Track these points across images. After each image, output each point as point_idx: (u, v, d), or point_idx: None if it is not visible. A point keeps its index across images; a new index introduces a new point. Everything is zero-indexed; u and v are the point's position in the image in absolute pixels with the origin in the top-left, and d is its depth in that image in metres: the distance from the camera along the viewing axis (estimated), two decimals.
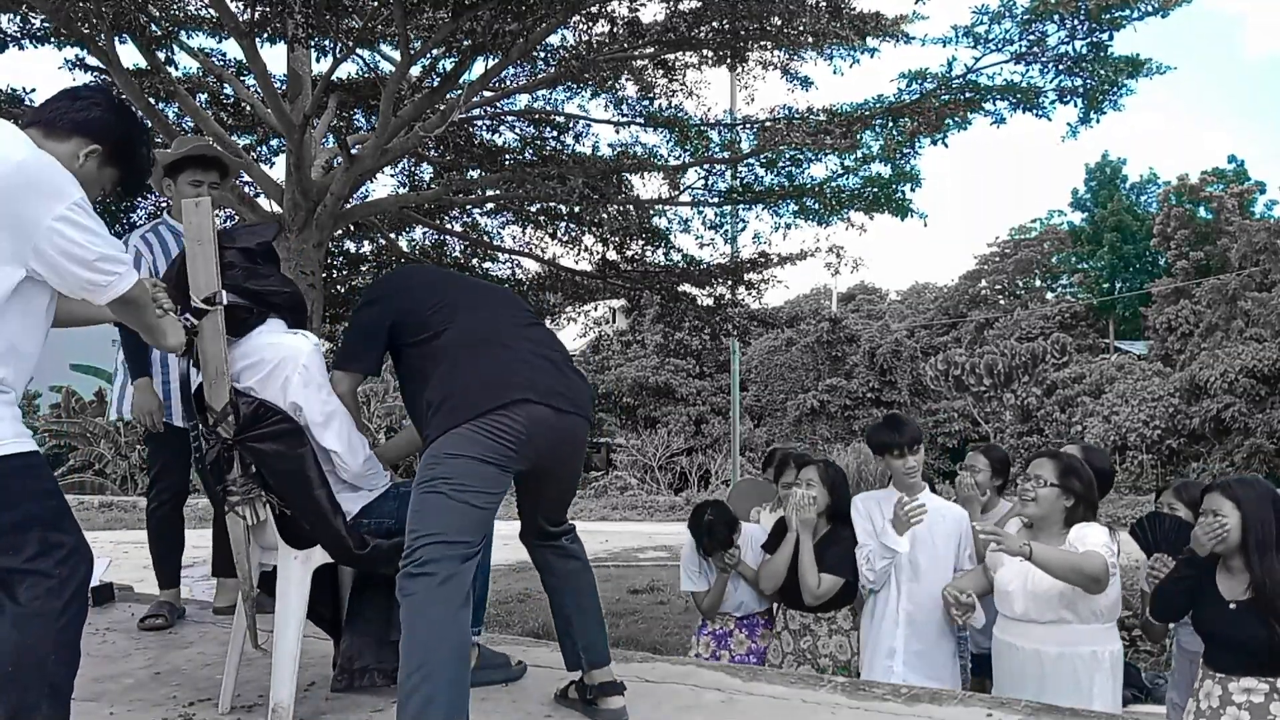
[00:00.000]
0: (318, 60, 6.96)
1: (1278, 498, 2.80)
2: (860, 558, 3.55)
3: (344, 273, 9.37)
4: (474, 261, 9.63)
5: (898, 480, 3.63)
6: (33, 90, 6.53)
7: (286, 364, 2.49)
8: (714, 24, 6.46)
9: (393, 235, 9.31)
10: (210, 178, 3.63)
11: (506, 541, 3.66)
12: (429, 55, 6.48)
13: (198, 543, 3.87)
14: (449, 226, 9.20)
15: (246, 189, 7.00)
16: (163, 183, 3.66)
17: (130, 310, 2.11)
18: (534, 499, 2.56)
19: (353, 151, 6.31)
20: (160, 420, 3.56)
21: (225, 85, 7.46)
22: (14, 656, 1.85)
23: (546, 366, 2.43)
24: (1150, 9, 6.40)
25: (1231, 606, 2.74)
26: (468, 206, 8.69)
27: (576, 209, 8.01)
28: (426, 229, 9.30)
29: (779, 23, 6.41)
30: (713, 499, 4.22)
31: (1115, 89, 6.83)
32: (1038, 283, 43.84)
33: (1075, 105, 7.04)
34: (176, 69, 7.00)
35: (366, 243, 9.50)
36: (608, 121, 8.12)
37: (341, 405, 2.55)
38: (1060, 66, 6.86)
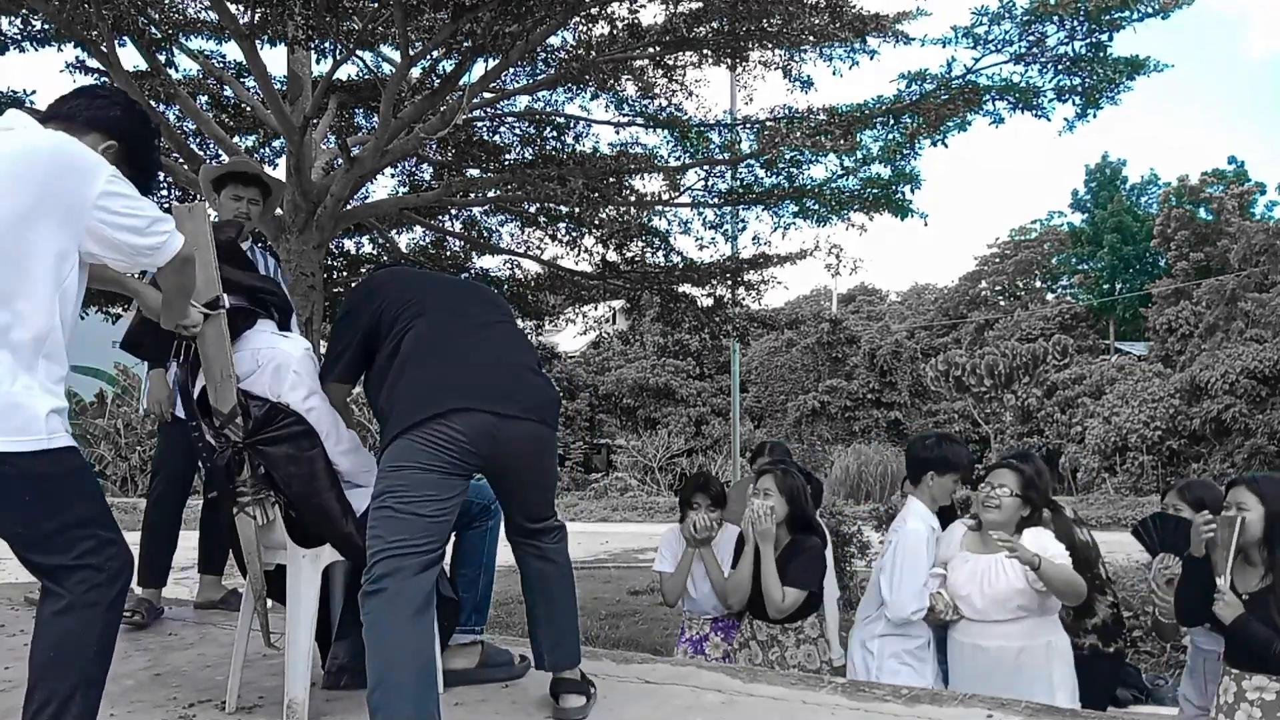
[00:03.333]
0: (318, 62, 6.97)
1: None
2: (924, 592, 3.31)
3: (344, 273, 9.37)
4: (473, 261, 9.64)
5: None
6: (33, 93, 6.54)
7: (281, 367, 2.53)
8: (713, 24, 6.47)
9: (393, 235, 9.31)
10: (250, 194, 3.77)
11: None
12: (429, 57, 6.48)
13: (191, 542, 3.85)
14: (447, 226, 9.20)
15: None
16: (211, 199, 3.79)
17: (185, 269, 2.13)
18: (505, 498, 2.58)
19: (353, 153, 6.31)
20: (169, 410, 3.60)
21: (226, 87, 7.47)
22: (57, 644, 1.87)
23: (497, 372, 2.41)
24: (1150, 10, 6.40)
25: (1244, 598, 2.78)
26: (467, 206, 8.70)
27: (576, 209, 8.01)
28: (426, 229, 9.31)
29: (779, 23, 6.41)
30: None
31: (1114, 87, 6.84)
32: (1038, 284, 43.85)
33: (1073, 103, 7.05)
34: (177, 71, 7.00)
35: (367, 242, 9.51)
36: (608, 122, 8.12)
37: (329, 407, 2.58)
38: (1059, 67, 6.86)
